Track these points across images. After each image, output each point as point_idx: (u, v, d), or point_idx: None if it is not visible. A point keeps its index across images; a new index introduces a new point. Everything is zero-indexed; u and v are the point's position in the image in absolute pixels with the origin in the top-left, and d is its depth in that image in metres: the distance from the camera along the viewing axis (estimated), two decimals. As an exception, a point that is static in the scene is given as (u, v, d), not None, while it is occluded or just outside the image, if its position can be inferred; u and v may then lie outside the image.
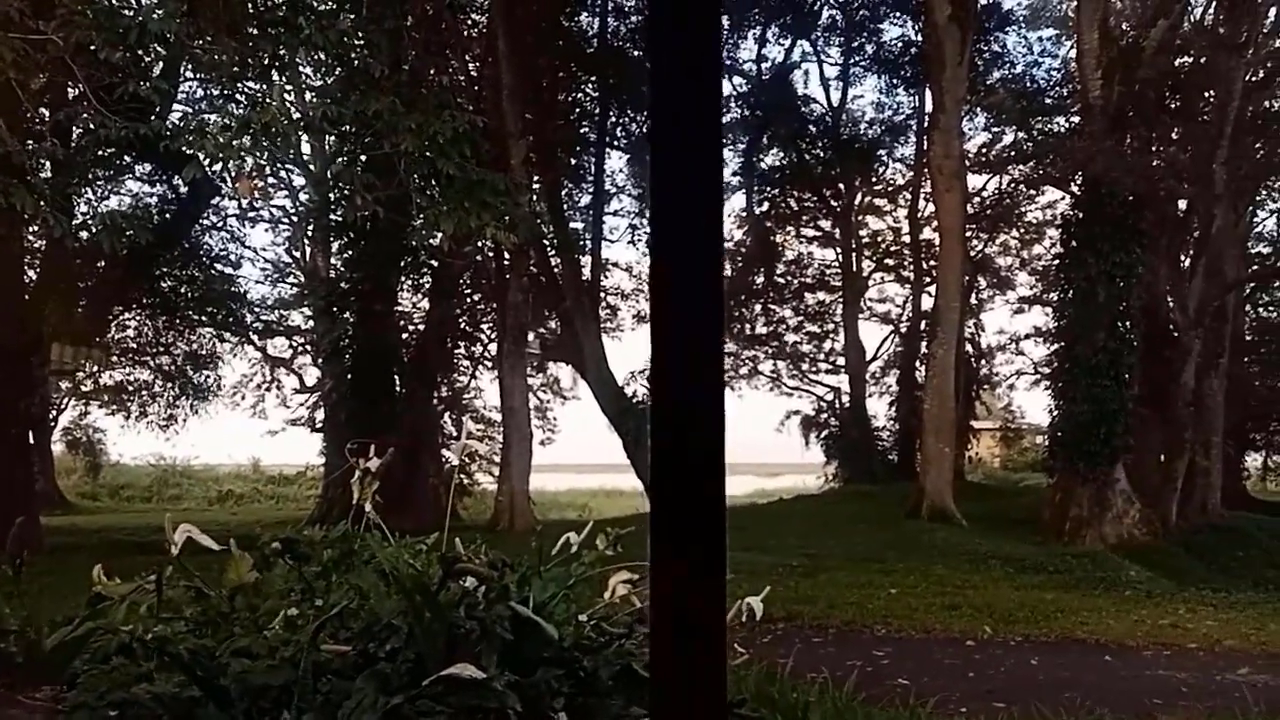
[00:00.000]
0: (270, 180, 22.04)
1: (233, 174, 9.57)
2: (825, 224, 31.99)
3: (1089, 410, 17.48)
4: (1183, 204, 21.39)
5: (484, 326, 25.98)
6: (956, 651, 8.82)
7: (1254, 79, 21.42)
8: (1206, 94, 21.28)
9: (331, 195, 19.42)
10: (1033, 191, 28.56)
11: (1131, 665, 8.42)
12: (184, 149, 9.05)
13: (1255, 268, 26.90)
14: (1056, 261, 20.48)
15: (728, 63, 27.57)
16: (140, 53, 10.04)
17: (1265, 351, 28.67)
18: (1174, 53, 20.43)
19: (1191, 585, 14.36)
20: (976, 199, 28.81)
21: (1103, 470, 17.66)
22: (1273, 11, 22.21)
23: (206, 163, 9.42)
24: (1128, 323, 17.75)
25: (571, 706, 3.13)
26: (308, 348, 27.83)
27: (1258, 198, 26.76)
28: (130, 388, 26.70)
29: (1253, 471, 29.82)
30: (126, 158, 17.68)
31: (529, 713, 2.93)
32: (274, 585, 3.73)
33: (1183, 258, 21.67)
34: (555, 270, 22.77)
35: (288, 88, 12.82)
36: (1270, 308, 29.52)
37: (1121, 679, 7.86)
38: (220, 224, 23.72)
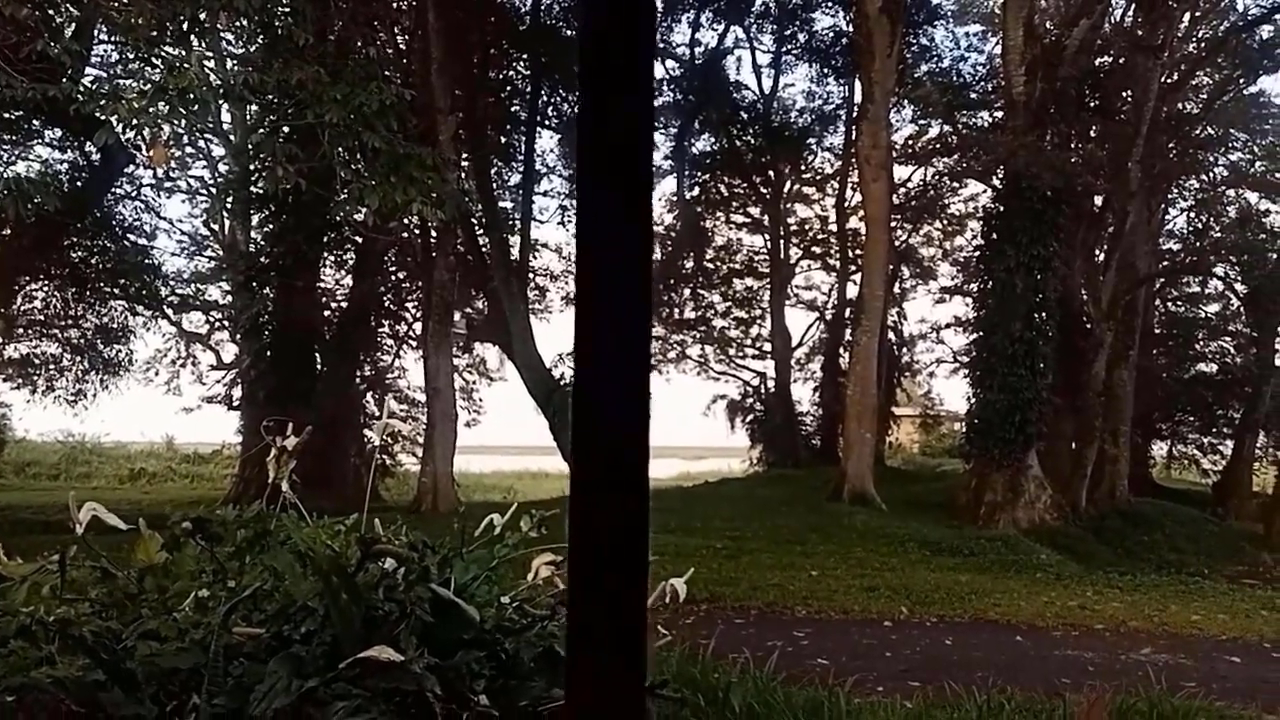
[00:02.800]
0: (188, 149, 21.41)
1: (147, 141, 9.19)
2: (755, 210, 32.24)
3: (1004, 398, 17.94)
4: (1099, 200, 22.04)
5: (409, 305, 25.61)
6: (874, 632, 9.00)
7: (1169, 81, 22.16)
8: (1124, 94, 21.94)
9: (252, 166, 18.88)
10: (956, 184, 29.17)
11: (1041, 645, 8.69)
12: (96, 113, 8.66)
13: (1165, 263, 27.87)
14: (977, 253, 20.95)
15: (661, 46, 27.50)
16: (50, 11, 9.60)
17: (1173, 344, 29.76)
18: (1095, 52, 21.00)
19: (1099, 568, 14.89)
20: (902, 190, 29.30)
21: (1016, 457, 18.15)
22: (1187, 16, 22.99)
23: (120, 129, 9.04)
24: (1043, 314, 18.22)
25: (492, 689, 3.09)
26: (225, 323, 27.06)
27: (1170, 195, 27.75)
28: (37, 361, 25.66)
29: (1159, 460, 30.99)
30: (35, 121, 16.95)
31: (448, 695, 2.88)
32: (185, 566, 3.61)
33: (1097, 252, 22.35)
34: (483, 249, 22.53)
35: (208, 54, 12.39)
36: (1179, 302, 30.65)
37: (1031, 658, 8.11)
38: (134, 193, 22.87)
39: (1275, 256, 24.61)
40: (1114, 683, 5.94)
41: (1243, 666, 8.01)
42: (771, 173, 30.62)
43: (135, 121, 8.54)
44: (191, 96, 8.66)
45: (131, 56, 10.98)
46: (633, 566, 0.66)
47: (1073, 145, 21.19)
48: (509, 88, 25.15)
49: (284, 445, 3.85)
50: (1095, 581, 13.08)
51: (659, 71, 32.38)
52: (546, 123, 25.79)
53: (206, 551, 3.53)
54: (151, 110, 8.55)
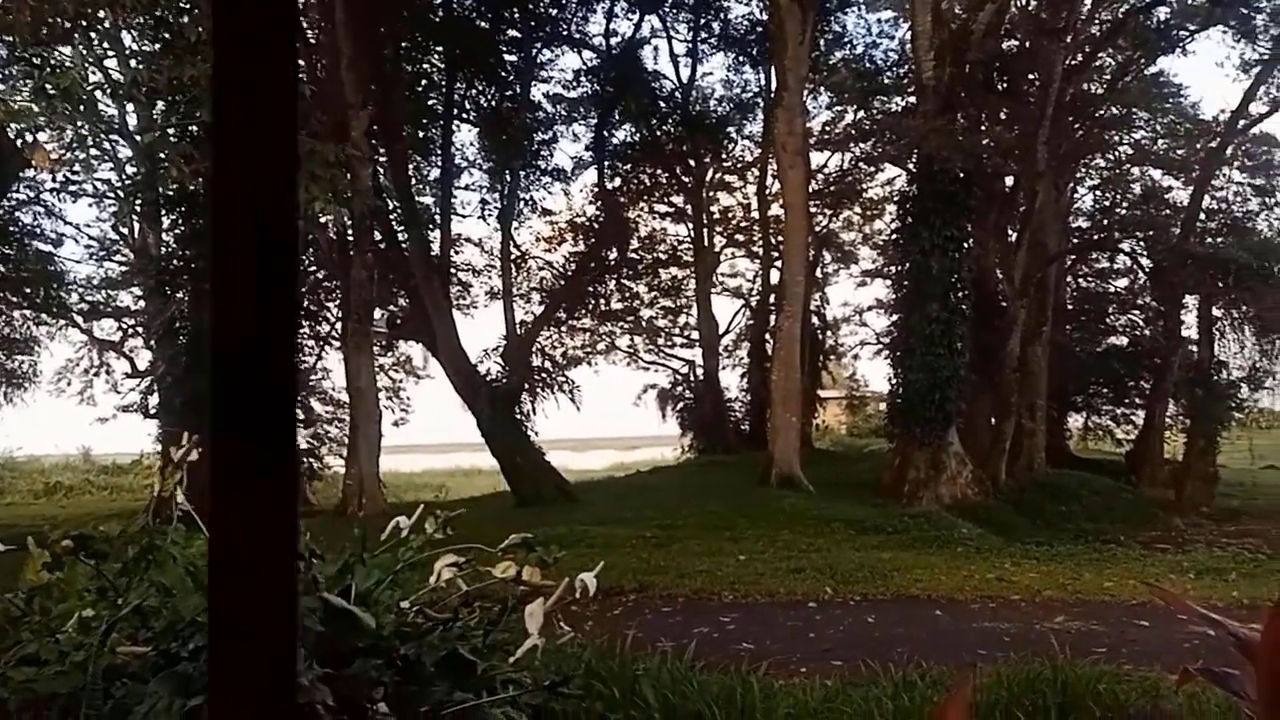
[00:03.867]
0: (92, 152, 20.69)
1: (28, 144, 8.82)
2: (677, 200, 32.37)
3: (924, 378, 18.30)
4: (1009, 180, 22.56)
5: (329, 305, 25.13)
6: (799, 613, 9.11)
7: (1073, 62, 22.74)
8: (1030, 76, 22.47)
9: (160, 169, 18.33)
10: (873, 169, 29.64)
11: (960, 619, 8.89)
12: (-28, 115, 8.31)
13: (1075, 240, 28.69)
14: (894, 236, 21.30)
15: (577, 36, 27.40)
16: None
17: (1085, 319, 30.67)
18: (1001, 36, 21.46)
19: (1018, 540, 15.29)
20: (820, 176, 29.68)
21: (937, 434, 18.54)
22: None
23: (8, 130, 8.67)
24: (959, 294, 18.60)
25: (392, 696, 3.04)
26: (138, 329, 26.26)
27: (1077, 175, 28.56)
28: (-65, 376, 24.64)
29: (1074, 432, 31.91)
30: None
31: (343, 706, 2.83)
32: (74, 585, 3.48)
33: (1009, 231, 22.89)
34: (403, 245, 22.20)
35: (109, 52, 11.98)
36: (1089, 278, 31.59)
37: (950, 632, 8.29)
38: (35, 198, 22.00)
39: (1178, 231, 25.51)
40: (1026, 651, 6.10)
41: (1151, 630, 8.27)
42: (692, 161, 30.73)
43: (21, 124, 8.19)
44: (76, 96, 8.33)
45: (14, 56, 10.55)
46: (281, 525, 0.62)
47: (982, 128, 21.67)
48: (424, 81, 24.78)
49: (172, 456, 3.74)
50: (1014, 553, 13.42)
51: (575, 62, 32.30)
52: (464, 116, 25.50)
53: (94, 570, 3.41)
54: (37, 110, 8.22)
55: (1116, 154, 29.21)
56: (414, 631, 3.34)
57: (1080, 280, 31.49)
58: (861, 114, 27.81)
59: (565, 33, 26.84)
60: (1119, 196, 29.77)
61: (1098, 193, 30.52)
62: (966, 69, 19.49)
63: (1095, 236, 29.13)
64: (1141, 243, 26.80)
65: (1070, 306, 30.06)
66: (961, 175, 18.40)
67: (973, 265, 19.40)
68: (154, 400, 23.60)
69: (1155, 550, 15.15)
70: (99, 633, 2.91)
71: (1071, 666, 5.35)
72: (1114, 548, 14.83)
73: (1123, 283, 30.82)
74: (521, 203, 27.24)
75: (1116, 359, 29.21)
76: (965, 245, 18.79)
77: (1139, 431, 28.04)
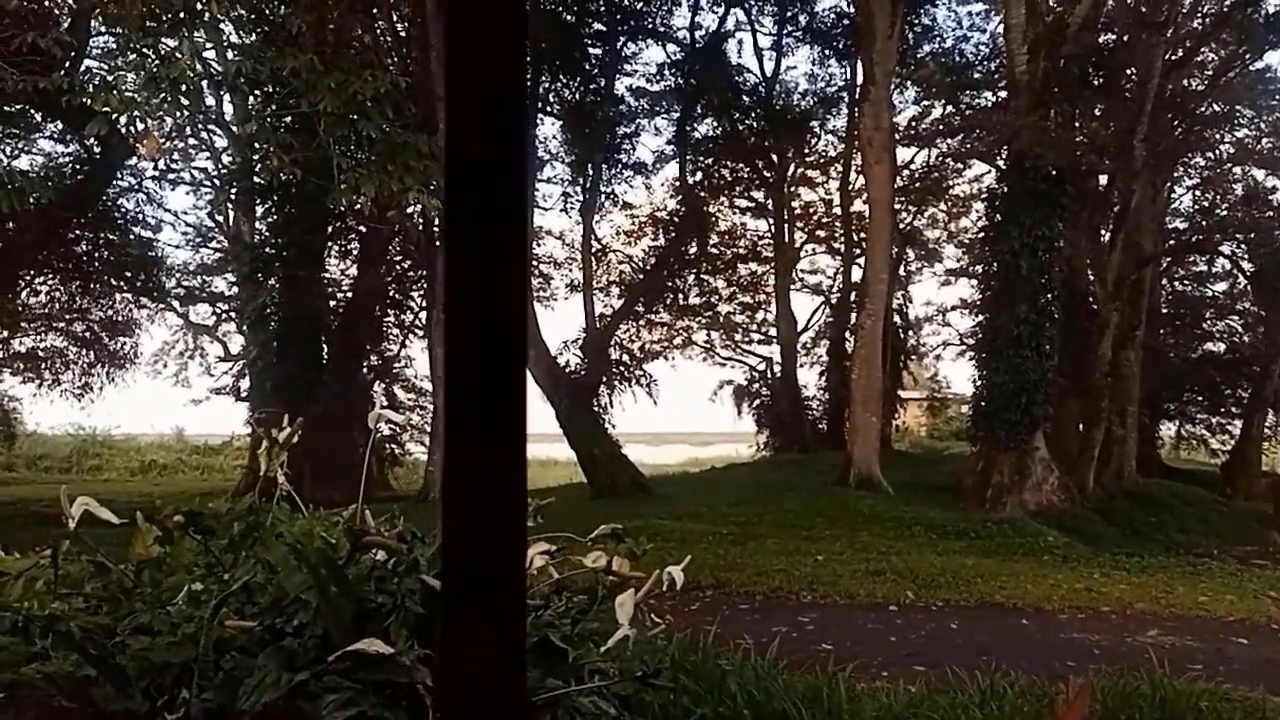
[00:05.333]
0: (191, 141, 21.36)
1: (137, 131, 9.14)
2: (758, 195, 32.15)
3: (1010, 380, 17.87)
4: (1103, 179, 21.88)
5: (414, 294, 25.59)
6: (879, 616, 8.97)
7: (1173, 57, 21.94)
8: (1128, 71, 21.75)
9: (255, 157, 18.86)
10: (960, 165, 29.01)
11: (1047, 628, 8.66)
12: (87, 103, 8.62)
13: (1171, 242, 27.71)
14: (981, 234, 20.83)
15: (661, 30, 27.39)
16: (46, 2, 9.55)
17: (1180, 324, 29.62)
18: (1098, 29, 20.82)
19: (1106, 550, 14.83)
20: (905, 172, 29.18)
21: (1023, 439, 18.09)
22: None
23: (114, 119, 8.99)
24: (1049, 295, 18.12)
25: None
26: (232, 315, 27.12)
27: (1175, 174, 27.56)
28: (43, 355, 25.72)
29: (1167, 440, 30.88)
30: (36, 116, 16.91)
31: (441, 687, 2.87)
32: (180, 560, 3.60)
33: (1103, 232, 22.22)
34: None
35: (208, 44, 12.35)
36: (1186, 281, 30.49)
37: (1037, 642, 8.08)
38: (137, 186, 22.83)
39: (1282, 233, 24.45)
40: (1118, 665, 5.92)
41: (1250, 648, 7.96)
42: (774, 156, 30.51)
43: (128, 112, 8.50)
44: (184, 86, 8.61)
45: (126, 47, 10.92)
46: (508, 535, 0.63)
47: (1076, 124, 21.02)
48: (510, 74, 24.99)
49: (276, 437, 3.83)
50: (1102, 563, 13.03)
51: (659, 56, 32.29)
52: (548, 109, 25.69)
53: (201, 545, 3.53)
54: (141, 100, 8.51)
55: (1217, 153, 28.06)
56: (507, 617, 3.38)
57: (1176, 283, 30.42)
58: (950, 109, 27.24)
59: (649, 26, 26.87)
60: (1219, 197, 28.61)
61: (1197, 193, 29.38)
62: (1061, 64, 18.93)
63: (1193, 238, 28.05)
64: (1242, 245, 25.76)
65: (1165, 310, 29.06)
66: (1054, 173, 17.89)
67: (1064, 266, 18.86)
68: (245, 384, 24.36)
69: (1252, 565, 14.55)
70: (209, 606, 3.00)
71: (1170, 682, 5.17)
72: (1208, 561, 14.30)
73: (1221, 287, 29.70)
74: (603, 196, 27.40)
75: (1213, 366, 28.18)
76: (1056, 245, 18.27)
77: (1235, 442, 27.00)
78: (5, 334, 24.48)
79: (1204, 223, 27.99)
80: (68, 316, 25.29)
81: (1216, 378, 27.83)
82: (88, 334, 25.90)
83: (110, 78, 9.01)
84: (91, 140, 15.89)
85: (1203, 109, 25.53)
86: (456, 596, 0.61)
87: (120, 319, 26.22)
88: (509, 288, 0.63)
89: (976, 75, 26.17)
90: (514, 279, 0.64)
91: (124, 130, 10.31)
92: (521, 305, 0.64)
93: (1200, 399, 28.73)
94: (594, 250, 27.81)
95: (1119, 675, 5.30)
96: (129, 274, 23.43)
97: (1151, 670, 5.32)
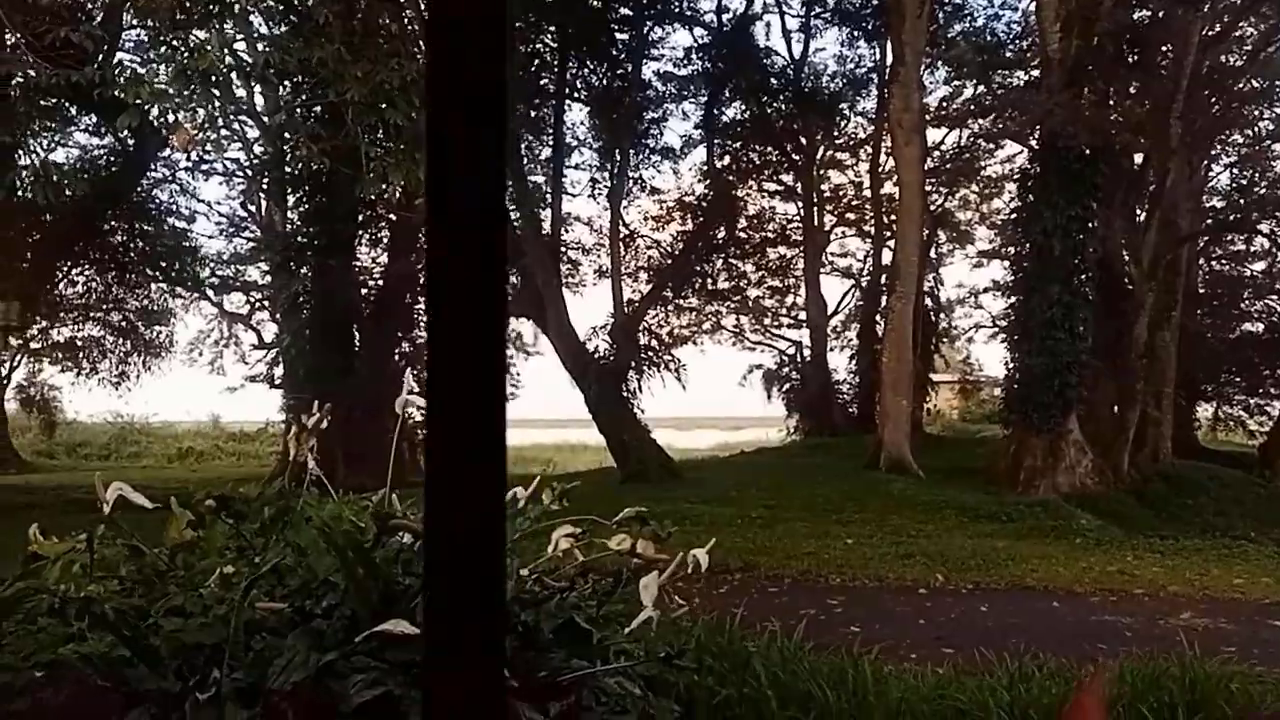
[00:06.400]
0: (223, 132, 21.62)
1: (169, 124, 9.26)
2: (787, 178, 31.94)
3: (1043, 362, 17.69)
4: (1138, 158, 21.53)
5: (443, 281, 25.68)
6: (908, 599, 8.96)
7: (1210, 33, 21.50)
8: (1164, 48, 21.33)
9: (286, 148, 19.02)
10: (992, 146, 28.66)
11: (1079, 611, 8.61)
12: (119, 95, 8.74)
13: (1209, 221, 27.23)
14: (1014, 215, 20.59)
15: (688, 14, 27.24)
16: (77, -3, 9.67)
17: (1217, 304, 29.14)
18: (1132, 6, 20.44)
19: (1140, 533, 14.68)
20: (936, 153, 28.88)
21: (1056, 421, 17.91)
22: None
23: (146, 111, 9.12)
24: (1083, 275, 17.89)
25: (511, 660, 3.12)
26: (265, 303, 27.42)
27: (1212, 151, 27.05)
28: (80, 344, 26.18)
29: (1203, 422, 30.44)
30: (71, 109, 17.16)
31: (466, 667, 2.91)
32: (214, 543, 3.67)
33: (1138, 211, 21.86)
34: (515, 224, 22.53)
35: (237, 35, 12.46)
36: (1223, 261, 29.97)
37: (1068, 624, 8.04)
38: (170, 177, 23.14)
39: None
40: (1150, 648, 5.88)
41: (1286, 630, 7.88)
42: (803, 139, 30.30)
43: (159, 104, 8.61)
44: (214, 78, 8.71)
45: (157, 40, 11.05)
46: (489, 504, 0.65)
47: (1111, 103, 20.69)
48: (537, 61, 25.02)
49: (305, 423, 3.90)
50: (1136, 546, 12.91)
51: (686, 40, 32.12)
52: (575, 95, 25.67)
53: (233, 529, 3.60)
54: (172, 92, 8.62)
55: (1256, 130, 27.47)
56: (532, 599, 3.41)
57: (1213, 263, 29.89)
58: (981, 89, 26.88)
59: (676, 10, 26.72)
60: (1258, 175, 28.02)
61: (1234, 171, 28.78)
62: (1095, 41, 18.62)
63: (1231, 217, 27.54)
64: (1282, 224, 25.27)
65: (1202, 291, 28.59)
66: (1087, 152, 17.63)
67: (1098, 246, 18.59)
68: (279, 371, 24.64)
69: (1290, 548, 14.36)
70: (240, 588, 3.07)
71: (1200, 664, 5.13)
72: (1244, 544, 14.10)
73: (1260, 266, 29.11)
74: (631, 181, 27.36)
75: (1251, 346, 27.69)
76: (1090, 225, 18.02)
77: (1274, 423, 26.56)
78: (44, 324, 24.92)
79: (1242, 201, 27.46)
80: (104, 306, 25.72)
81: (1254, 358, 27.36)
82: (124, 323, 26.33)
83: (141, 70, 9.15)
84: (124, 133, 16.11)
85: (1241, 85, 25.00)
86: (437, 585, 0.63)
87: (156, 308, 26.64)
88: (482, 289, 0.65)
89: (1008, 54, 25.80)
90: (490, 281, 0.66)
91: (156, 123, 10.44)
92: (498, 317, 0.66)
93: (1238, 380, 28.27)
94: (622, 236, 27.80)
95: (1149, 658, 5.27)
96: (164, 264, 23.78)
97: (1182, 653, 5.28)
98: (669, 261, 28.67)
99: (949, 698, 4.71)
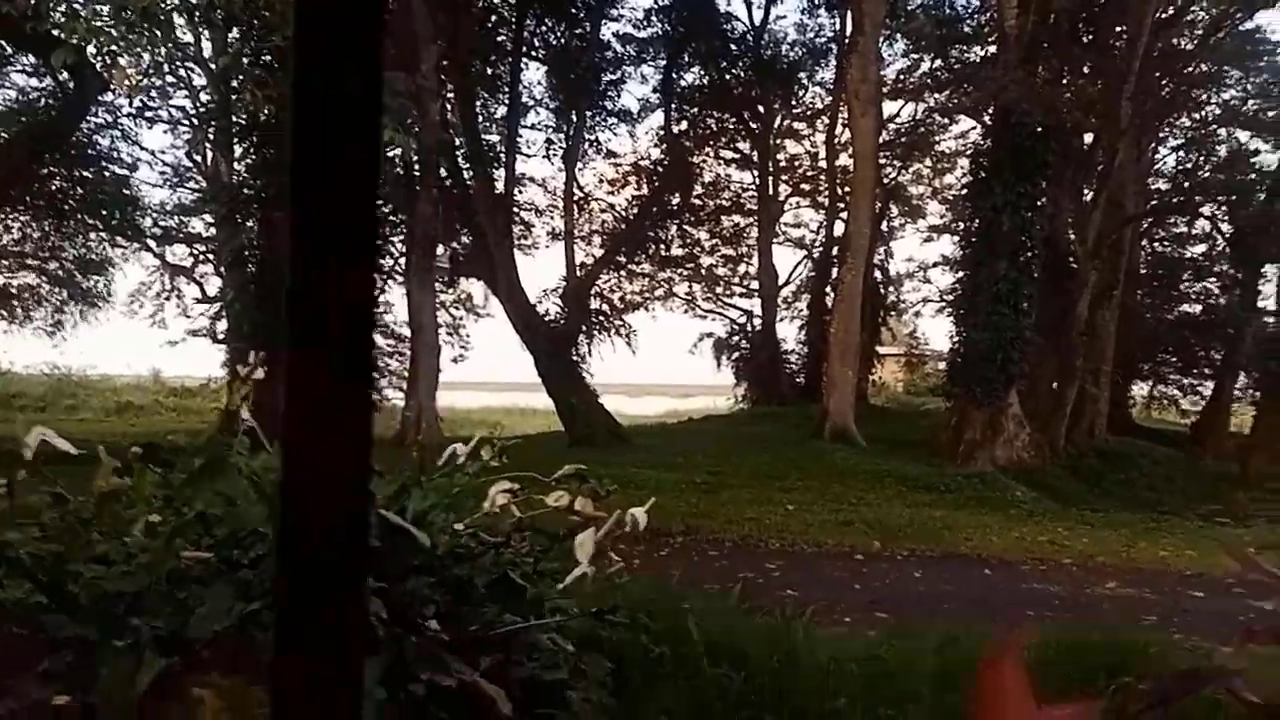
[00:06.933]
0: (168, 79, 21.00)
1: (111, 65, 8.95)
2: (744, 146, 31.90)
3: (988, 337, 17.96)
4: (1088, 137, 21.82)
5: (393, 240, 25.35)
6: (845, 565, 9.11)
7: (1163, 15, 21.79)
8: (1118, 28, 21.57)
9: (234, 96, 18.52)
10: (946, 120, 28.84)
11: (1009, 579, 8.82)
12: (54, 32, 8.42)
13: (1153, 202, 27.72)
14: (965, 190, 20.78)
15: (649, -25, 26.93)
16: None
17: (1157, 285, 29.74)
18: (1089, -15, 20.64)
19: (1073, 506, 15.08)
20: (892, 126, 29.02)
21: (997, 395, 18.23)
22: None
23: (87, 50, 8.79)
24: (1029, 252, 18.14)
25: (444, 614, 3.11)
26: (209, 256, 26.82)
27: (1160, 134, 27.50)
28: (15, 292, 25.44)
29: (1139, 400, 31.16)
30: (6, 48, 16.55)
31: (396, 620, 2.90)
32: (142, 493, 3.60)
33: (1085, 190, 22.19)
34: (467, 183, 22.24)
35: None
36: (1165, 242, 30.55)
37: (999, 591, 8.24)
38: (113, 123, 22.42)
39: (1263, 197, 24.51)
40: (1077, 615, 6.04)
41: (1206, 600, 8.14)
42: (761, 107, 30.24)
43: (95, 41, 8.32)
44: (154, 15, 8.42)
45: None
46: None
47: (1064, 81, 20.92)
48: (494, 16, 24.61)
49: (239, 373, 3.82)
50: (1068, 518, 13.26)
51: (646, 1, 31.82)
52: (533, 53, 25.33)
53: (162, 478, 3.52)
54: (115, 33, 8.32)
55: (1204, 114, 28.00)
56: (467, 554, 3.40)
57: (1156, 244, 30.45)
58: (938, 63, 27.01)
59: (638, -30, 26.43)
60: (1203, 158, 28.58)
61: (1181, 154, 29.32)
62: (1051, 18, 18.79)
63: (1175, 199, 28.08)
64: (1223, 207, 25.80)
65: (1143, 271, 29.12)
66: (1039, 130, 17.82)
67: (1045, 224, 18.85)
68: (222, 326, 24.17)
69: (1215, 523, 14.82)
70: (164, 536, 3.01)
71: (1122, 631, 5.29)
72: (1172, 518, 14.56)
73: (1200, 249, 29.72)
74: (586, 144, 27.13)
75: (1188, 327, 28.32)
76: (1039, 203, 18.26)
77: (1206, 403, 27.31)
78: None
79: (1186, 184, 28.01)
80: (41, 254, 24.97)
81: (1191, 339, 28.01)
82: (61, 272, 25.60)
83: (78, 6, 8.81)
84: (63, 75, 15.56)
85: (1191, 69, 25.43)
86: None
87: (95, 257, 25.91)
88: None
89: (966, 29, 25.91)
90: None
91: (96, 63, 10.09)
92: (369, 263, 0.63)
93: (1174, 359, 28.93)
94: (576, 199, 27.63)
95: (1074, 624, 5.41)
96: (104, 212, 23.10)
97: (1106, 620, 5.43)
98: (623, 226, 28.55)
99: (879, 659, 4.80)
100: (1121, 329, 23.40)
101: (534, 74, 26.96)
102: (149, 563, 2.89)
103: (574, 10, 24.71)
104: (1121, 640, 5.03)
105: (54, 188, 21.89)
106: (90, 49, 8.57)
